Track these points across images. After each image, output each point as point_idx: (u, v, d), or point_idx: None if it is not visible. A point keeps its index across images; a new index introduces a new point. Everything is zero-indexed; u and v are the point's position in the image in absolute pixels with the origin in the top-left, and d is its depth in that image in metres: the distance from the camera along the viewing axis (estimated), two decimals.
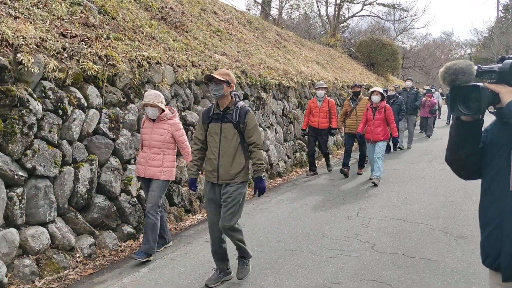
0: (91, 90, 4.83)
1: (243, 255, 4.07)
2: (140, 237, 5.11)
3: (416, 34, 53.31)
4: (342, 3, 28.21)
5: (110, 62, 5.09)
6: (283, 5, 27.90)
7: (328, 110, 8.77)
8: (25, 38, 4.17)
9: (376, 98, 8.03)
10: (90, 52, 4.91)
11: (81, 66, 4.68)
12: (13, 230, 3.81)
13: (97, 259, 4.56)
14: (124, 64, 5.28)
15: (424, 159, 10.93)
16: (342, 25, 31.96)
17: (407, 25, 36.77)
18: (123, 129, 5.24)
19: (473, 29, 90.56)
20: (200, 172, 4.15)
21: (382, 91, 8.21)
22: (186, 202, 6.15)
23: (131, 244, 5.02)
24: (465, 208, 6.34)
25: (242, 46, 10.40)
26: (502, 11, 41.82)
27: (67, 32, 4.94)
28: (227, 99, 3.87)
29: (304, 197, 7.21)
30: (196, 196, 6.39)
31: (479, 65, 1.95)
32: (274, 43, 13.68)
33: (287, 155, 9.74)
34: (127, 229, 5.07)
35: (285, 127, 9.98)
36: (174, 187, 5.97)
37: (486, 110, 1.86)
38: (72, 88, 4.61)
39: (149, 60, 5.82)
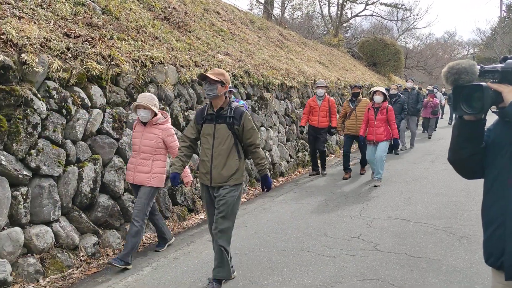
0: (95, 90, 4.85)
1: (221, 276, 3.80)
2: (143, 236, 5.13)
3: (418, 34, 53.18)
4: (344, 3, 28.22)
5: (113, 62, 5.12)
6: (285, 5, 27.91)
7: (328, 109, 8.65)
8: (30, 38, 4.20)
9: (378, 98, 7.88)
10: (94, 52, 4.93)
11: (85, 66, 4.70)
12: (18, 229, 3.83)
13: (100, 258, 4.58)
14: (128, 64, 5.31)
15: (427, 159, 10.92)
16: (344, 25, 31.98)
17: (410, 24, 36.77)
18: (127, 128, 5.26)
19: (476, 29, 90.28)
20: (184, 168, 3.95)
21: (384, 91, 8.10)
22: (189, 202, 6.17)
23: None
24: (468, 208, 6.33)
25: (245, 46, 10.41)
26: (505, 10, 41.68)
27: (71, 32, 4.97)
28: (221, 100, 3.77)
29: (307, 197, 7.21)
30: (199, 196, 6.41)
31: (481, 64, 1.95)
32: (277, 43, 13.69)
33: (290, 155, 9.75)
34: None
35: (287, 127, 9.99)
36: (177, 187, 5.99)
37: (489, 110, 1.87)
38: (76, 88, 4.64)
39: (152, 60, 5.85)
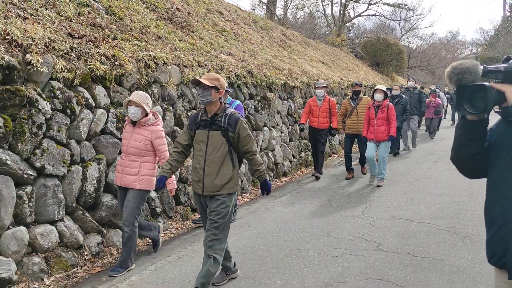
0: (99, 90, 4.88)
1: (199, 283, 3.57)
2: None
3: (421, 34, 53.05)
4: (347, 3, 28.18)
5: (117, 62, 5.14)
6: (288, 5, 27.93)
7: (328, 110, 8.51)
8: (34, 38, 4.22)
9: (379, 97, 7.87)
10: (98, 52, 4.96)
11: (89, 66, 4.73)
12: (23, 228, 3.86)
13: (104, 257, 4.61)
14: (131, 64, 5.33)
15: (430, 159, 10.91)
16: (347, 24, 31.92)
17: (413, 24, 36.69)
18: None
19: (479, 29, 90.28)
20: (172, 173, 3.80)
21: (385, 89, 8.09)
22: (192, 201, 6.18)
23: (138, 243, 5.05)
24: (471, 207, 6.33)
25: (248, 46, 10.43)
26: (509, 10, 41.54)
27: (75, 33, 4.99)
28: (216, 105, 3.62)
29: (310, 197, 7.22)
30: None
31: (485, 64, 1.96)
32: (280, 43, 13.69)
33: (293, 155, 9.76)
34: None
35: (290, 126, 10.00)
36: (181, 186, 6.01)
37: (492, 110, 1.87)
38: (80, 88, 4.66)
39: (155, 60, 5.87)
